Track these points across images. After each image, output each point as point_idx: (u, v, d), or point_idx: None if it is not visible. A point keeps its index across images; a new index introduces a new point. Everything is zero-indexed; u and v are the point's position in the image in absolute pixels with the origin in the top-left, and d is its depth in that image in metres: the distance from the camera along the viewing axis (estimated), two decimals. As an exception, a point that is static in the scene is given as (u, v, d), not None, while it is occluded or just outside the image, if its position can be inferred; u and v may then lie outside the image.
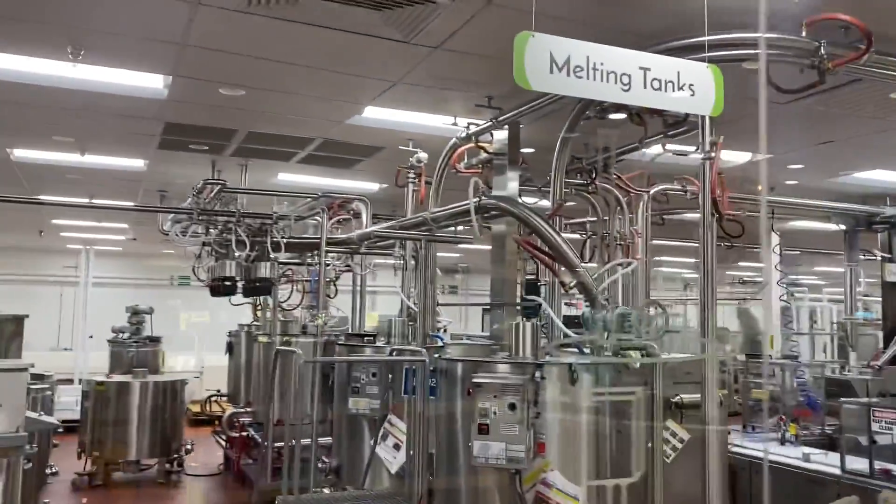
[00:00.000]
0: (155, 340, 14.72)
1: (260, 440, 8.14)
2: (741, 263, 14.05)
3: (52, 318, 18.33)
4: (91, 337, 15.76)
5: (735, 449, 7.29)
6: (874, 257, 8.64)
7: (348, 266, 7.82)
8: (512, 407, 3.35)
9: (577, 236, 9.12)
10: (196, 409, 13.24)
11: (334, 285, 8.84)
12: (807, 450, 6.88)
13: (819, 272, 20.23)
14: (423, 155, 5.59)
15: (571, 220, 8.97)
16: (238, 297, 9.11)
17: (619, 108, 4.30)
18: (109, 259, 17.54)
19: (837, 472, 6.20)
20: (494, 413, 3.36)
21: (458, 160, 5.72)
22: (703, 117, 3.73)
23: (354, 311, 8.02)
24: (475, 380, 3.40)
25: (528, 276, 5.47)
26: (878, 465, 5.95)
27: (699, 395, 6.27)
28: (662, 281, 22.62)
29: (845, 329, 8.71)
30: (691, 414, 6.22)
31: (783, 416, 7.69)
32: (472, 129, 5.02)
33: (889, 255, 8.33)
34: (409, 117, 5.36)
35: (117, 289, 17.06)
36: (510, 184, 4.77)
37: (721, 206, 3.78)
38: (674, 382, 6.23)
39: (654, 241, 13.48)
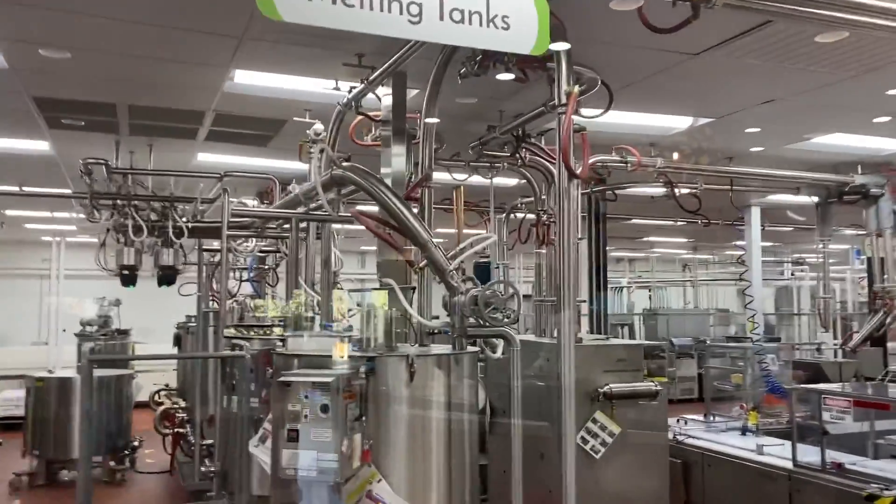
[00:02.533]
0: (123, 333, 14.41)
1: (192, 439, 7.71)
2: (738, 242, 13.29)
3: (33, 311, 18.12)
4: (64, 331, 15.47)
5: (689, 441, 6.76)
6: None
7: (278, 251, 7.33)
8: (324, 409, 2.83)
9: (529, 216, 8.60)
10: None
11: (274, 272, 8.37)
12: (762, 441, 6.33)
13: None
14: (318, 126, 5.07)
15: (527, 198, 8.45)
16: (189, 287, 8.70)
17: (497, 60, 3.75)
18: (83, 251, 17.22)
19: (789, 465, 5.65)
20: (305, 416, 2.84)
21: (355, 132, 5.19)
22: (559, 61, 3.15)
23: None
24: (282, 378, 2.89)
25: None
26: (831, 457, 5.41)
27: (635, 385, 5.76)
28: (656, 262, 22.00)
29: (819, 308, 8.09)
30: (624, 405, 5.72)
31: (743, 405, 7.12)
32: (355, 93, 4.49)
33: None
34: (287, 83, 4.86)
35: (92, 281, 16.76)
36: (395, 159, 4.23)
37: (578, 168, 3.20)
38: (603, 370, 5.72)
39: (636, 220, 12.86)
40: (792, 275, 18.99)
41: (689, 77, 4.76)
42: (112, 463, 9.36)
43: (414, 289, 3.89)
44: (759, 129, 6.18)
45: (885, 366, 8.23)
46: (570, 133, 3.00)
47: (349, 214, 4.04)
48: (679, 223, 11.77)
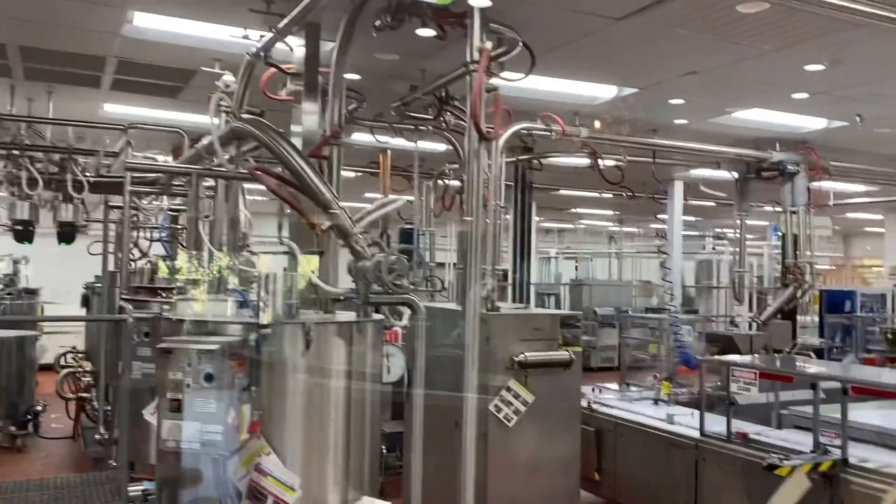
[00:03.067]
0: (31, 292, 13.69)
1: (97, 404, 7.38)
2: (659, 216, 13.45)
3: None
4: (-28, 290, 14.58)
5: (603, 409, 6.83)
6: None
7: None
8: (209, 378, 2.64)
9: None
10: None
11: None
12: (672, 410, 6.44)
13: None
14: (228, 78, 4.76)
15: (454, 164, 8.30)
16: (98, 247, 8.23)
17: (412, 13, 3.55)
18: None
19: (697, 434, 5.76)
20: (188, 386, 2.65)
21: (268, 85, 4.91)
22: (473, 16, 2.99)
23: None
24: (163, 345, 2.68)
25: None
26: (737, 427, 5.53)
27: (550, 354, 5.75)
28: (584, 234, 22.28)
29: (734, 282, 8.27)
30: (539, 374, 5.70)
31: (657, 375, 7.23)
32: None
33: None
34: (192, 29, 4.54)
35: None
36: (306, 116, 3.99)
37: (489, 130, 3.06)
38: (520, 339, 5.68)
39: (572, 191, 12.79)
40: (713, 249, 19.50)
41: (614, 43, 4.68)
42: (13, 428, 8.89)
43: (321, 253, 3.69)
44: (682, 101, 6.17)
45: (794, 338, 8.53)
46: (481, 92, 2.85)
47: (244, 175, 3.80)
48: (605, 195, 11.83)
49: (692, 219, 19.02)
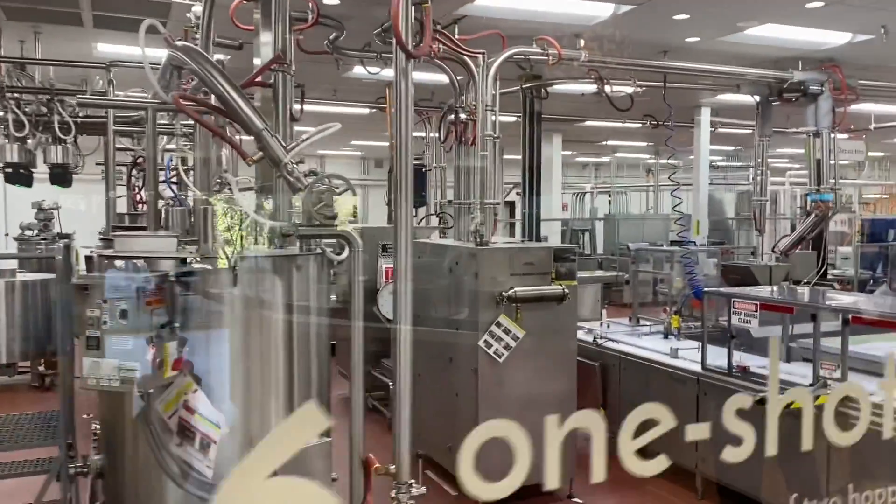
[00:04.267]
0: (65, 237, 14.01)
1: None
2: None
3: (-21, 216, 17.58)
4: (7, 235, 15.04)
5: (608, 344, 6.68)
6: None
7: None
8: (123, 314, 2.57)
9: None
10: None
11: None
12: (678, 344, 6.26)
13: (787, 154, 19.20)
14: (197, 8, 4.59)
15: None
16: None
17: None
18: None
19: (698, 368, 5.58)
20: (105, 323, 2.59)
21: (235, 14, 4.72)
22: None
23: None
24: (76, 280, 2.61)
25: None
26: (740, 360, 5.33)
27: (541, 288, 5.58)
28: (620, 168, 21.67)
29: (755, 211, 7.89)
30: (531, 308, 5.56)
31: (666, 308, 7.02)
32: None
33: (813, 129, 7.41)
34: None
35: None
36: (264, 48, 3.79)
37: (418, 45, 2.84)
38: (511, 274, 5.53)
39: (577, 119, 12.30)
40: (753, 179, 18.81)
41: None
42: (41, 367, 9.20)
43: (260, 189, 3.54)
44: (687, 16, 5.76)
45: (821, 267, 8.17)
46: (398, 6, 2.61)
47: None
48: (631, 125, 11.38)
49: (733, 148, 18.34)
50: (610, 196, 20.36)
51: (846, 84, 7.14)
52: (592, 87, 7.13)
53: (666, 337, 6.83)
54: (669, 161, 8.40)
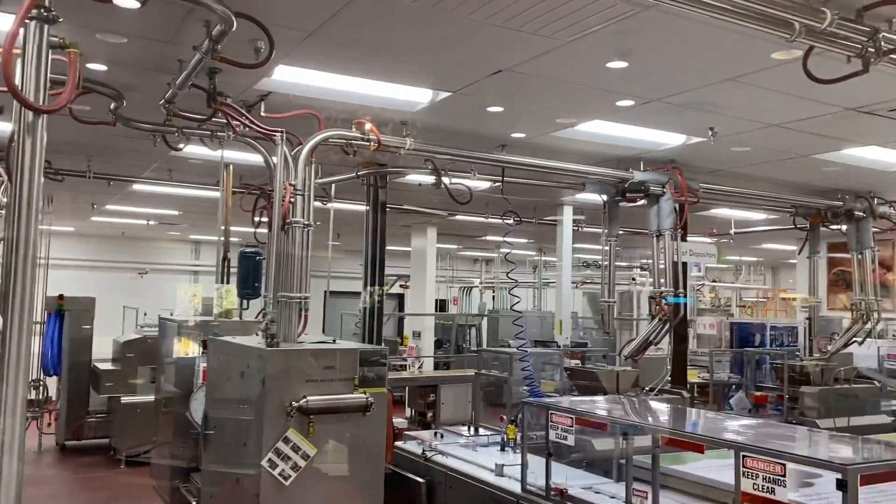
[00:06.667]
0: None
1: None
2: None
3: None
4: None
5: (437, 458, 6.01)
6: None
7: None
8: None
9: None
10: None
11: None
12: (504, 460, 5.66)
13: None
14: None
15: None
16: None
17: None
18: None
19: (518, 490, 4.98)
20: None
21: None
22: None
23: None
24: None
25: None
26: (559, 482, 4.77)
27: (341, 397, 4.92)
28: (500, 263, 21.64)
29: (602, 314, 7.59)
30: (327, 421, 4.88)
31: (503, 417, 6.46)
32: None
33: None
34: None
35: None
36: None
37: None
38: (306, 380, 4.86)
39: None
40: (633, 280, 19.01)
41: (398, 29, 3.96)
42: None
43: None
44: (501, 109, 5.48)
45: (671, 374, 7.88)
46: (14, 41, 2.04)
47: None
48: (494, 220, 11.13)
49: (620, 248, 18.57)
50: (493, 292, 20.16)
51: (685, 185, 7.06)
52: (429, 179, 6.77)
53: (502, 449, 6.23)
54: (506, 258, 8.02)
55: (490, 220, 12.47)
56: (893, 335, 11.77)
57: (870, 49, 3.53)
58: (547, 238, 17.40)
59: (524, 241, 18.08)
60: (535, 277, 21.73)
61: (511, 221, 7.55)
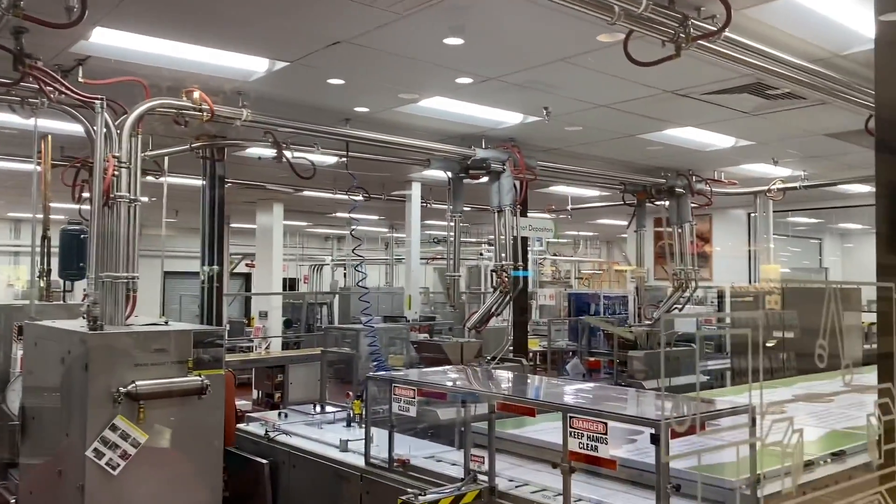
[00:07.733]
0: None
1: None
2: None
3: None
4: None
5: (280, 438, 5.91)
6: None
7: None
8: None
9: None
10: None
11: None
12: (349, 435, 5.67)
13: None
14: None
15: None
16: None
17: None
18: None
19: (362, 464, 5.00)
20: None
21: None
22: None
23: None
24: None
25: None
26: (406, 451, 4.84)
27: (173, 381, 4.73)
28: (351, 240, 21.56)
29: (448, 288, 7.75)
30: (159, 406, 4.68)
31: (349, 393, 6.46)
32: None
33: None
34: None
35: None
36: None
37: None
38: (134, 364, 4.62)
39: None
40: (480, 255, 19.56)
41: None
42: None
43: None
44: (342, 81, 5.41)
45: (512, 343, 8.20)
46: None
47: None
48: (341, 196, 11.02)
49: (467, 225, 18.99)
50: (345, 269, 20.04)
51: (524, 163, 7.32)
52: (269, 152, 6.57)
53: (348, 425, 6.23)
54: (352, 234, 8.01)
55: (338, 196, 12.34)
56: (711, 302, 12.90)
57: (681, 35, 3.80)
58: (398, 214, 17.48)
59: (375, 217, 18.05)
60: (387, 254, 21.80)
61: (359, 197, 7.48)
